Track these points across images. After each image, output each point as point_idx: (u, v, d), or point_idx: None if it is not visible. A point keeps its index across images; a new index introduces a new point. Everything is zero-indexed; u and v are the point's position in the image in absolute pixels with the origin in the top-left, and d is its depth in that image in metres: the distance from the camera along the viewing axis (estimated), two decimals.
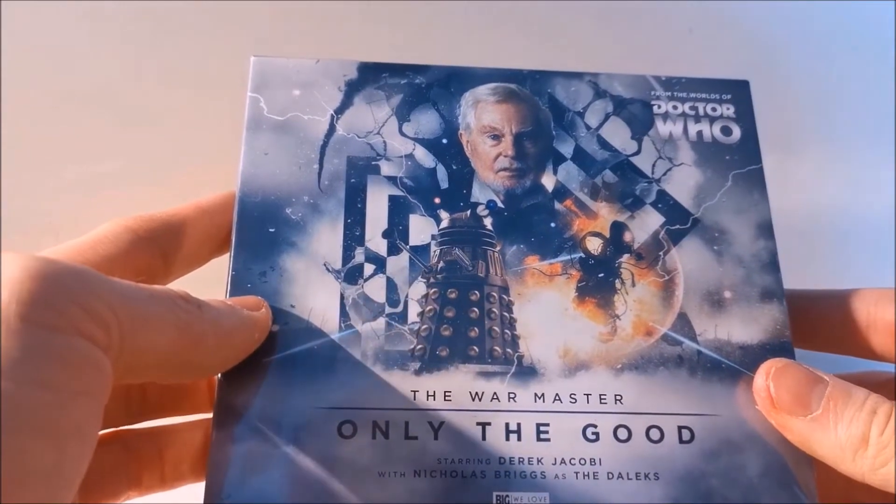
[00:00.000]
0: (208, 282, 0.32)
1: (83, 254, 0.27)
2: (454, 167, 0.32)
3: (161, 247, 0.29)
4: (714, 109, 0.34)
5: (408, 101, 0.33)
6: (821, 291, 0.35)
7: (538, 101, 0.33)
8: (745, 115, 0.34)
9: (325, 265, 0.30)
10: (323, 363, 0.28)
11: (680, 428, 0.28)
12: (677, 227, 0.32)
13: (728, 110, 0.34)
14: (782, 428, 0.28)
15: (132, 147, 0.44)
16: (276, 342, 0.28)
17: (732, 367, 0.29)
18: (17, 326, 0.19)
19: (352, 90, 0.33)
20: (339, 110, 0.32)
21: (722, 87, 0.34)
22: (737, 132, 0.33)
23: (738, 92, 0.34)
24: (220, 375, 0.28)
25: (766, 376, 0.29)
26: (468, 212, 0.31)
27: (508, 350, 0.29)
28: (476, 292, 0.30)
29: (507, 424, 0.28)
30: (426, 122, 0.33)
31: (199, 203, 0.31)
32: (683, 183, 0.32)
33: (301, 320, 0.29)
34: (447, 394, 0.28)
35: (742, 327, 0.30)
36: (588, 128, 0.33)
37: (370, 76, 0.33)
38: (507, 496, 0.27)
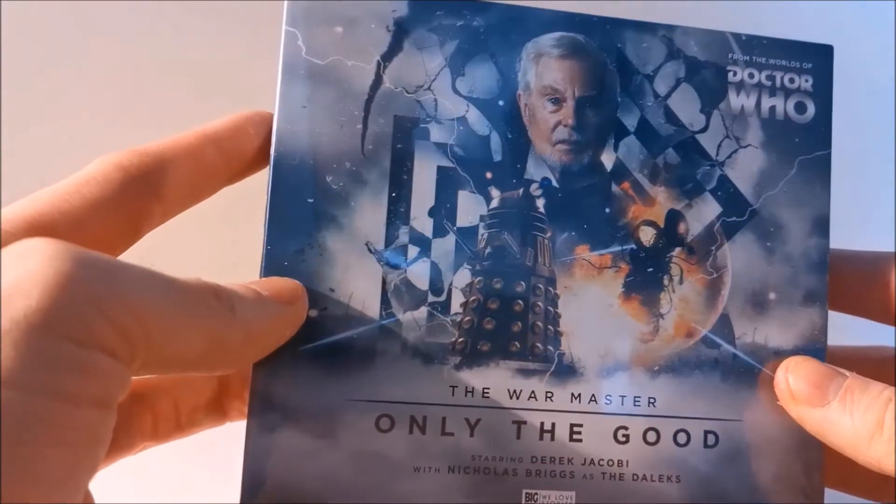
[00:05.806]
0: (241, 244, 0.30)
1: (68, 199, 0.25)
2: (509, 136, 0.29)
3: (155, 184, 0.26)
4: (792, 81, 0.31)
5: (463, 50, 0.29)
6: (863, 253, 0.34)
7: (606, 58, 0.30)
8: (823, 90, 0.31)
9: (367, 245, 0.28)
10: (362, 354, 0.27)
11: (706, 432, 0.29)
12: (734, 219, 0.30)
13: (806, 83, 0.31)
14: (800, 420, 0.29)
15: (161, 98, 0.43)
16: (314, 329, 0.27)
17: (763, 371, 0.30)
18: (37, 336, 0.19)
19: (401, 31, 0.29)
20: (387, 56, 0.28)
21: (803, 52, 0.31)
22: (811, 110, 0.31)
23: (820, 60, 0.31)
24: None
25: (786, 370, 0.29)
26: (520, 191, 0.29)
27: (550, 347, 0.29)
28: (522, 283, 0.29)
29: (542, 424, 0.28)
30: (482, 77, 0.29)
31: (204, 130, 0.28)
32: (747, 168, 0.30)
33: (341, 305, 0.27)
34: (485, 390, 0.28)
35: (780, 331, 0.30)
36: (656, 95, 0.30)
37: (422, 14, 0.29)
38: (536, 494, 0.28)
